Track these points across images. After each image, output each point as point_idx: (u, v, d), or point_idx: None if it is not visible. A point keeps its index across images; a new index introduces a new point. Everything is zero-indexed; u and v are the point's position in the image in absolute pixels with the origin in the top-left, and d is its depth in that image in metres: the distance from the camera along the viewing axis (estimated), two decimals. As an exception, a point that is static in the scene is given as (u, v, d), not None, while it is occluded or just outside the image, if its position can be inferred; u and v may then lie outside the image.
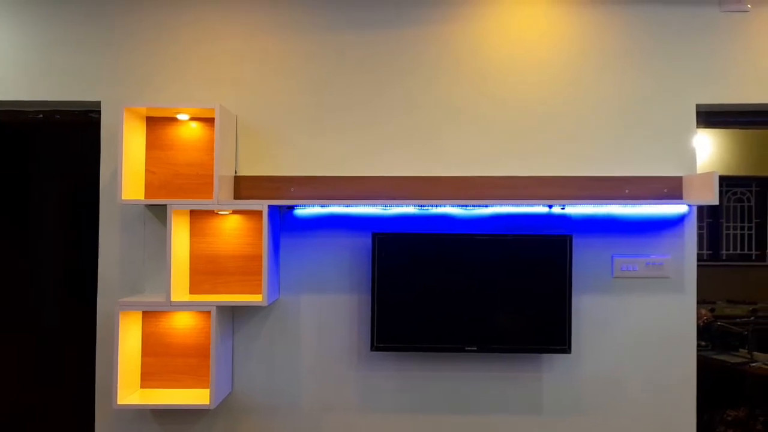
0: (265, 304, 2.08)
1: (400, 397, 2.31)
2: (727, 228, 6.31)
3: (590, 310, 2.30)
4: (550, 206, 2.24)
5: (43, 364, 2.63)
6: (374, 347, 2.18)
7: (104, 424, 2.28)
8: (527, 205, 2.23)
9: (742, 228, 6.30)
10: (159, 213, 2.29)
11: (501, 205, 2.22)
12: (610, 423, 2.30)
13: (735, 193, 6.33)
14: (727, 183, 6.34)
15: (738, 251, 6.27)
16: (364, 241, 2.30)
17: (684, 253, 2.32)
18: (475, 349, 2.18)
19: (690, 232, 2.32)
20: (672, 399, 2.31)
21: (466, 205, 2.21)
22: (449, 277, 2.19)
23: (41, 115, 2.44)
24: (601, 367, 2.30)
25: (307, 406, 2.30)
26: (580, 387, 2.30)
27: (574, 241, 2.27)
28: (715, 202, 2.07)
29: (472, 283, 2.19)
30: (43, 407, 2.63)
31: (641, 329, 2.30)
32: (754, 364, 3.63)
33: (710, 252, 6.19)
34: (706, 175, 2.13)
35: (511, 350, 2.20)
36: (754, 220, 6.32)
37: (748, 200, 6.33)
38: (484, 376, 2.30)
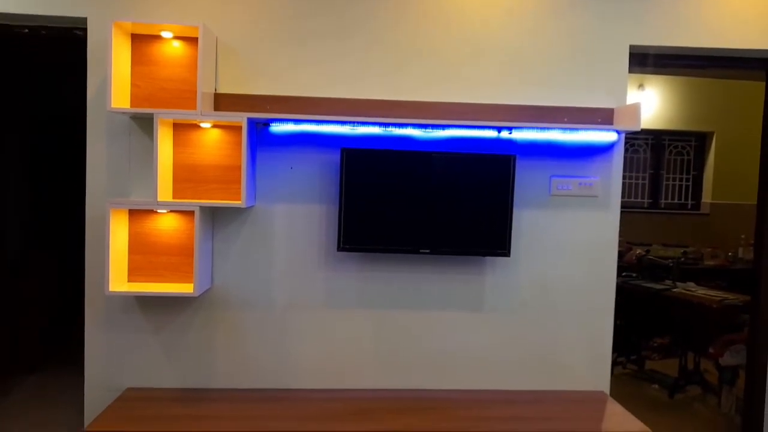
0: (244, 206, 2.33)
1: (361, 294, 2.62)
2: (667, 179, 6.81)
3: (529, 222, 2.64)
4: (499, 130, 2.53)
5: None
6: (340, 248, 2.47)
7: (94, 312, 2.52)
8: (479, 127, 2.50)
9: (681, 179, 6.82)
10: (143, 125, 2.48)
11: (455, 127, 2.48)
12: (539, 319, 2.68)
13: (677, 147, 6.81)
14: (669, 138, 6.81)
15: (676, 200, 6.79)
16: (333, 157, 2.56)
17: (611, 175, 2.67)
18: (428, 251, 2.50)
19: (617, 158, 2.67)
20: (594, 301, 2.69)
21: (425, 126, 2.48)
22: (408, 189, 2.48)
23: (27, 30, 2.57)
24: (535, 272, 2.66)
25: (279, 301, 2.59)
26: (517, 288, 2.66)
27: (518, 162, 2.59)
28: (638, 128, 2.42)
29: (427, 195, 2.49)
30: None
31: (571, 240, 2.66)
32: (675, 290, 4.11)
33: (651, 200, 6.70)
34: (633, 106, 2.46)
35: (459, 253, 2.53)
36: (691, 172, 6.83)
37: (688, 153, 6.82)
38: (435, 278, 2.63)
